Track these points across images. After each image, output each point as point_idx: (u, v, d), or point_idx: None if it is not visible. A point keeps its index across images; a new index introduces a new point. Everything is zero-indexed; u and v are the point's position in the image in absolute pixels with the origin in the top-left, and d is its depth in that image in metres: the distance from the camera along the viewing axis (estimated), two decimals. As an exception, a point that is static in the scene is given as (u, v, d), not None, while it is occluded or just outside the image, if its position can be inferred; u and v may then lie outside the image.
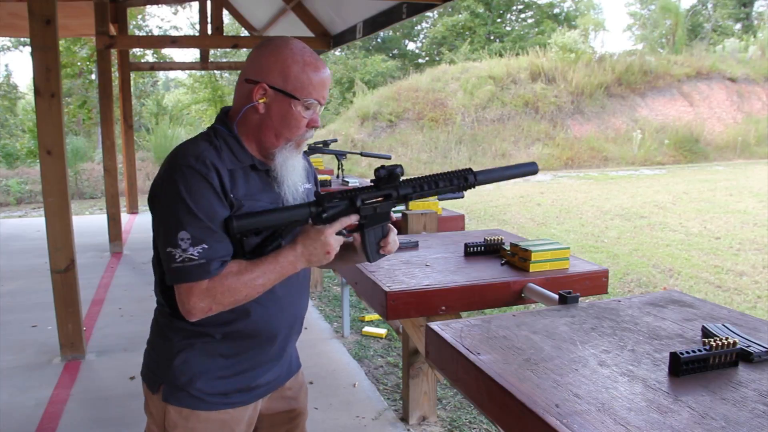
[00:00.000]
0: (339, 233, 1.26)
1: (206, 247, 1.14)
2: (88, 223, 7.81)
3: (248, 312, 1.27)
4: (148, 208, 1.27)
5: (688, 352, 1.14)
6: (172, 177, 1.17)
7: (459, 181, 1.32)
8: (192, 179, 1.16)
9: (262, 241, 1.24)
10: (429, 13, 20.02)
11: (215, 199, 1.17)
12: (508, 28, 24.79)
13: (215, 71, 17.13)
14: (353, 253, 1.40)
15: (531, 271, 1.94)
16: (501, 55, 18.51)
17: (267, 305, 1.29)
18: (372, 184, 1.32)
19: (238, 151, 1.25)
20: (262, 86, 1.22)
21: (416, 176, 1.33)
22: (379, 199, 1.30)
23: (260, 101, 1.23)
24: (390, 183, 1.31)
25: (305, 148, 1.37)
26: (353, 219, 1.27)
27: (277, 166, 1.27)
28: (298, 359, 1.54)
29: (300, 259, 1.23)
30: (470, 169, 1.34)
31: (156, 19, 29.49)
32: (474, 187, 1.36)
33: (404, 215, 2.75)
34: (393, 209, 1.35)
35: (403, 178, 1.32)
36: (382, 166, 1.32)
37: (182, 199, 1.15)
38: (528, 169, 1.41)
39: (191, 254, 1.14)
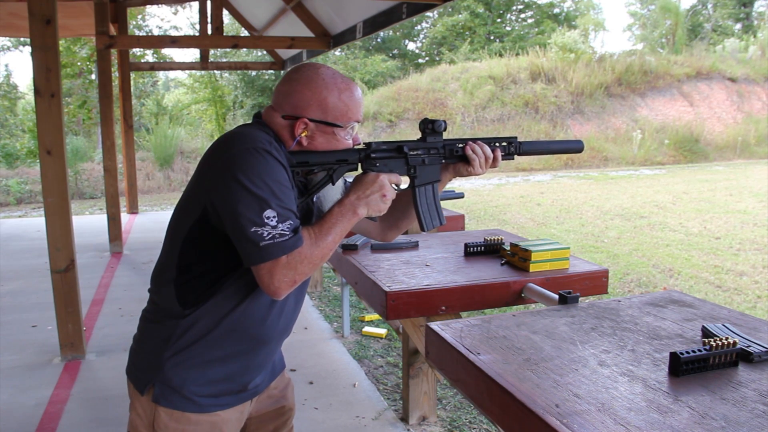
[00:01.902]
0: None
1: (292, 223, 1.16)
2: (88, 223, 7.81)
3: (245, 317, 1.28)
4: (193, 199, 1.24)
5: (688, 352, 1.14)
6: (248, 159, 1.15)
7: (505, 146, 1.39)
8: (270, 160, 1.17)
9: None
10: (429, 13, 20.01)
11: (288, 179, 1.20)
12: (508, 28, 24.79)
13: (215, 71, 17.13)
14: (410, 212, 1.43)
15: (531, 271, 1.94)
16: (501, 55, 18.52)
17: (265, 310, 1.30)
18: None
19: (284, 152, 1.27)
20: (303, 121, 1.25)
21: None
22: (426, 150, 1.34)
23: (303, 135, 1.26)
24: (434, 135, 1.34)
25: None
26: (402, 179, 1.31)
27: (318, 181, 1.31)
28: (282, 359, 1.56)
29: (358, 204, 1.24)
30: (516, 137, 1.40)
31: (156, 19, 29.46)
32: (518, 155, 1.42)
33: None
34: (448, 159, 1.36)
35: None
36: (427, 118, 1.35)
37: (262, 178, 1.14)
38: (573, 146, 1.48)
39: (282, 230, 1.14)
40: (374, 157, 1.29)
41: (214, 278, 1.23)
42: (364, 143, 1.31)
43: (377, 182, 1.26)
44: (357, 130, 1.32)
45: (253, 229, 1.13)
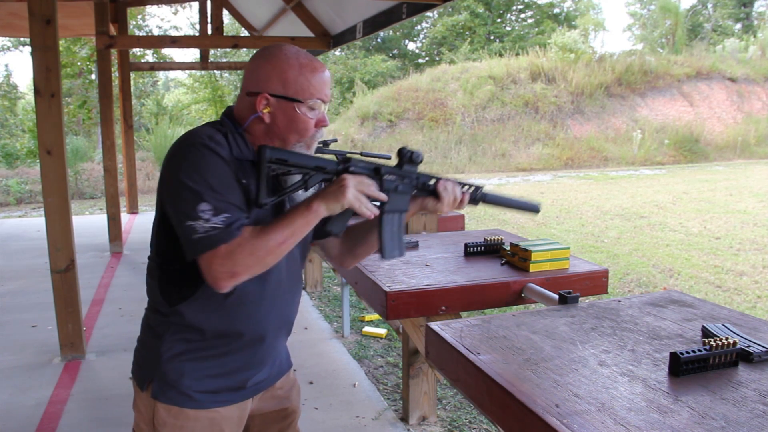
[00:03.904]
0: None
1: (228, 215, 1.15)
2: (88, 223, 7.81)
3: (237, 311, 1.28)
4: (158, 197, 1.27)
5: (688, 352, 1.14)
6: (186, 155, 1.18)
7: (472, 192, 1.40)
8: (207, 154, 1.17)
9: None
10: (429, 13, 20.02)
11: (230, 173, 1.18)
12: (508, 28, 24.80)
13: (215, 71, 17.14)
14: (370, 239, 1.41)
15: (531, 271, 1.94)
16: (501, 55, 18.52)
17: (255, 305, 1.29)
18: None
19: (242, 146, 1.26)
20: (264, 96, 1.23)
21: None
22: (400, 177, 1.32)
23: (264, 111, 1.24)
24: (411, 165, 1.33)
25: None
26: (381, 195, 1.27)
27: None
28: (289, 358, 1.53)
29: (314, 199, 1.20)
30: (482, 186, 1.41)
31: (156, 19, 29.45)
32: (481, 203, 1.42)
33: (404, 215, 2.74)
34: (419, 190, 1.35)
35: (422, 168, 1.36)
36: (406, 148, 1.34)
37: (198, 173, 1.16)
38: (532, 207, 1.51)
39: (214, 223, 1.14)
40: (352, 171, 1.26)
41: (193, 274, 1.21)
42: (345, 157, 1.28)
43: (338, 179, 1.22)
44: (324, 110, 1.28)
45: (187, 223, 1.14)
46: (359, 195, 1.22)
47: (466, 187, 1.40)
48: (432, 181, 1.35)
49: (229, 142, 1.23)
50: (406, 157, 1.32)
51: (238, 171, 1.22)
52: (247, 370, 1.35)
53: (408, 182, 1.33)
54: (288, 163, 1.21)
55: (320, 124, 1.28)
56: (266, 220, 1.22)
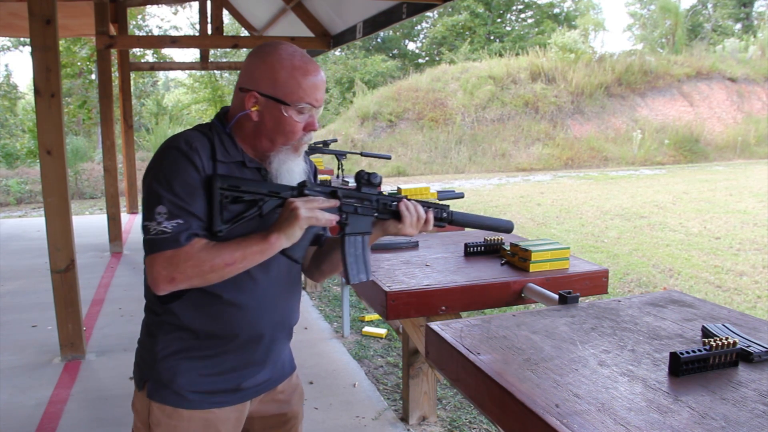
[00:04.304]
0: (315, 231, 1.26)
1: (181, 222, 1.16)
2: (88, 223, 7.81)
3: (230, 311, 1.27)
4: None
5: (688, 352, 1.14)
6: (160, 157, 1.21)
7: (437, 212, 1.38)
8: (177, 159, 1.19)
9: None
10: (429, 13, 20.02)
11: (197, 180, 1.19)
12: (508, 28, 24.79)
13: (215, 71, 17.13)
14: (335, 258, 1.39)
15: (531, 271, 1.94)
16: (501, 55, 18.52)
17: (249, 305, 1.29)
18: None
19: (230, 147, 1.26)
20: (254, 94, 1.23)
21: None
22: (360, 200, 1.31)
23: (253, 109, 1.24)
24: (370, 187, 1.32)
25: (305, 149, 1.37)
26: (332, 202, 1.25)
27: (273, 169, 1.27)
28: (292, 362, 1.52)
29: (271, 229, 1.20)
30: (449, 206, 1.40)
31: (156, 19, 29.49)
32: (448, 224, 1.41)
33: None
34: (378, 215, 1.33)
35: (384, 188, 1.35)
36: (364, 171, 1.33)
37: (164, 176, 1.18)
38: (504, 226, 1.46)
39: (164, 227, 1.16)
40: (307, 194, 1.24)
41: None
42: (300, 183, 1.25)
43: (286, 204, 1.21)
44: (317, 114, 1.27)
45: (144, 223, 1.18)
46: (313, 210, 1.20)
47: (432, 207, 1.37)
48: (394, 202, 1.33)
49: (214, 146, 1.23)
50: (364, 179, 1.31)
51: (219, 170, 1.22)
52: (243, 371, 1.34)
53: (368, 204, 1.31)
54: (240, 189, 1.20)
55: (309, 128, 1.26)
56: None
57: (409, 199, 1.35)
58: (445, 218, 1.39)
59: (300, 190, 1.24)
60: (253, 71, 1.24)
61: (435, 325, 1.43)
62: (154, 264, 1.16)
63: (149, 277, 1.17)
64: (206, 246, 1.17)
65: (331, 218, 1.23)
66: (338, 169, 4.53)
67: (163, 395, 1.29)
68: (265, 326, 1.33)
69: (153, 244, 1.16)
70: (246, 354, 1.33)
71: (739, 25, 26.44)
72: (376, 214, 1.33)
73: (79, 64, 14.06)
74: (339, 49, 20.69)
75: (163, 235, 1.15)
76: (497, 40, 23.55)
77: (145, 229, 1.17)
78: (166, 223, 1.16)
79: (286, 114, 1.23)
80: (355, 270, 1.30)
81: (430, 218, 1.35)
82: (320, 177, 4.02)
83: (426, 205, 1.37)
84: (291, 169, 1.28)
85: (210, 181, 1.18)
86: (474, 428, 2.75)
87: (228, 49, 18.27)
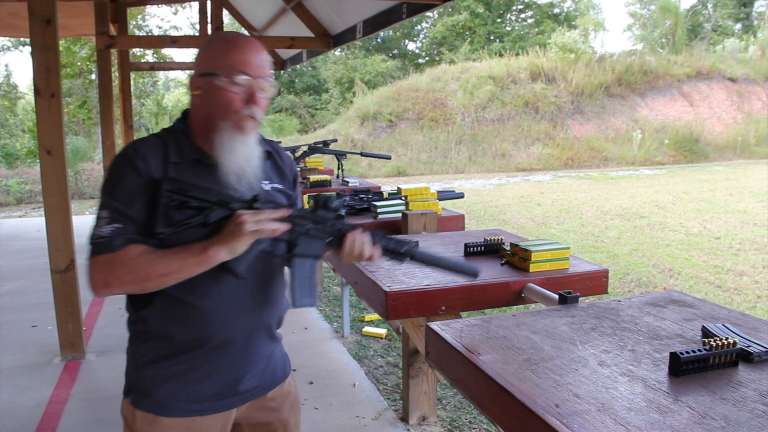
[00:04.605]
0: (264, 249, 1.21)
1: (119, 227, 1.17)
2: (88, 223, 7.76)
3: (197, 315, 1.25)
4: None
5: (688, 352, 1.14)
6: (111, 164, 1.24)
7: (396, 246, 1.33)
8: (121, 165, 1.21)
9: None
10: (429, 13, 20.02)
11: (139, 185, 1.19)
12: (508, 28, 24.80)
13: (215, 71, 17.10)
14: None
15: (531, 271, 1.94)
16: (501, 55, 18.52)
17: (216, 308, 1.26)
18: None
19: (184, 146, 1.25)
20: (194, 79, 1.25)
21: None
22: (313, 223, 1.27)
23: (195, 93, 1.25)
24: (327, 211, 1.29)
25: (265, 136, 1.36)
26: (281, 212, 1.22)
27: (216, 150, 1.23)
28: (285, 368, 1.47)
29: (212, 241, 1.17)
30: (417, 242, 1.35)
31: (156, 19, 29.52)
32: (408, 259, 1.34)
33: (404, 215, 2.75)
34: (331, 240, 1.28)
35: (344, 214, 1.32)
36: (322, 195, 1.31)
37: (109, 182, 1.22)
38: (469, 270, 1.39)
39: (102, 231, 1.18)
40: (256, 208, 1.20)
41: None
42: (253, 196, 1.22)
43: (233, 216, 1.18)
44: (265, 89, 1.23)
45: (91, 226, 1.21)
46: (259, 222, 1.17)
47: (394, 241, 1.32)
48: (345, 229, 1.29)
49: (168, 148, 1.23)
50: (321, 202, 1.28)
51: (173, 173, 1.20)
52: (223, 377, 1.30)
53: (322, 228, 1.28)
54: (188, 194, 1.18)
55: (251, 101, 1.22)
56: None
57: (364, 231, 1.29)
58: (404, 253, 1.33)
59: (250, 202, 1.21)
60: (196, 59, 1.27)
61: (435, 325, 1.43)
62: (91, 267, 1.18)
63: (87, 278, 1.19)
64: (144, 253, 1.17)
65: (278, 227, 1.19)
66: (338, 169, 4.53)
67: (144, 403, 1.29)
68: (235, 329, 1.28)
69: (92, 247, 1.18)
70: (222, 359, 1.29)
71: (739, 25, 26.45)
72: (329, 239, 1.29)
73: (79, 64, 14.06)
74: (339, 49, 20.69)
75: (100, 240, 1.17)
76: (497, 40, 23.56)
77: (90, 232, 1.20)
78: (105, 227, 1.18)
79: (217, 84, 1.21)
80: (301, 294, 1.27)
81: (375, 255, 1.30)
82: (320, 177, 4.04)
83: (389, 239, 1.32)
84: (235, 149, 1.22)
85: (157, 184, 1.17)
86: (474, 428, 2.75)
87: (228, 49, 18.22)
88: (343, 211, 1.33)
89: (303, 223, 1.26)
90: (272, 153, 1.38)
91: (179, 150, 1.24)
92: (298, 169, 4.67)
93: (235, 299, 1.27)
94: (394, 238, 1.34)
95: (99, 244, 1.17)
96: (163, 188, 1.16)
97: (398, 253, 1.33)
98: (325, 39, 6.26)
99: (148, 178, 1.19)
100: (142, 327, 1.28)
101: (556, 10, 25.50)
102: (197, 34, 11.02)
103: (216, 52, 1.22)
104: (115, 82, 8.19)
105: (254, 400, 1.38)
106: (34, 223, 7.91)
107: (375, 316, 4.12)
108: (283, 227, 1.21)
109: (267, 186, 1.32)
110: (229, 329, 1.28)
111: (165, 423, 1.28)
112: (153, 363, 1.28)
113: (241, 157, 1.23)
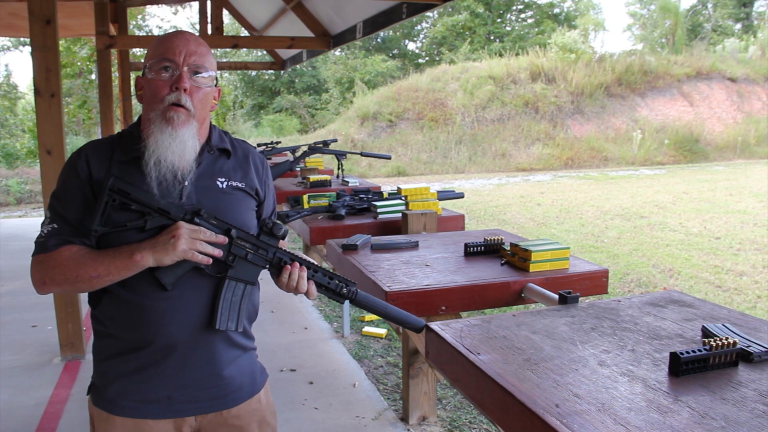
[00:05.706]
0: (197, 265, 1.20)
1: (55, 227, 1.20)
2: (88, 223, 7.81)
3: (139, 315, 1.23)
4: None
5: (688, 352, 1.14)
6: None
7: (338, 285, 1.32)
8: (65, 168, 1.26)
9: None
10: (429, 13, 20.02)
11: (77, 187, 1.22)
12: (508, 28, 24.80)
13: (215, 71, 17.10)
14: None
15: (531, 271, 1.94)
16: (501, 55, 18.52)
17: (157, 308, 1.22)
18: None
19: (131, 144, 1.26)
20: (137, 79, 1.30)
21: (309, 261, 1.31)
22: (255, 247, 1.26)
23: (139, 93, 1.28)
24: (271, 238, 1.27)
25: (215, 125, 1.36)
26: (220, 238, 1.20)
27: (149, 152, 1.21)
28: (254, 384, 1.38)
29: (140, 247, 1.16)
30: (356, 284, 1.35)
31: (156, 19, 29.50)
32: (348, 300, 1.34)
33: (404, 215, 2.75)
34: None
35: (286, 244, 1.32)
36: (269, 219, 1.30)
37: (58, 183, 1.26)
38: (413, 323, 1.40)
39: (42, 232, 1.22)
40: (197, 223, 1.19)
41: None
42: (195, 210, 1.20)
43: (173, 226, 1.17)
44: (186, 75, 1.21)
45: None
46: (194, 243, 1.16)
47: (336, 280, 1.32)
48: (286, 260, 1.27)
49: (115, 148, 1.25)
50: (267, 227, 1.27)
51: (116, 173, 1.20)
52: (171, 380, 1.26)
53: (262, 254, 1.26)
54: (130, 197, 1.18)
55: (174, 83, 1.21)
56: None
57: (303, 265, 1.28)
58: (344, 294, 1.33)
59: (192, 216, 1.20)
60: None
61: (435, 325, 1.43)
62: (32, 266, 1.22)
63: (30, 276, 1.22)
64: (76, 254, 1.18)
65: (209, 256, 1.18)
66: (338, 169, 4.53)
67: (98, 401, 1.31)
68: (177, 333, 1.23)
69: (34, 246, 1.22)
70: (167, 361, 1.25)
71: (739, 25, 26.44)
72: (268, 266, 1.28)
73: (79, 64, 14.07)
74: (339, 49, 20.69)
75: (39, 240, 1.21)
76: (497, 40, 23.56)
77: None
78: (44, 227, 1.22)
79: (149, 77, 1.23)
80: (225, 317, 1.23)
81: (311, 290, 1.30)
82: (320, 177, 4.04)
83: (331, 277, 1.32)
84: (163, 142, 1.19)
85: (104, 181, 1.18)
86: (474, 428, 2.75)
87: (228, 49, 18.25)
88: (342, 212, 1.33)
89: (244, 245, 1.25)
90: (231, 151, 1.35)
91: (126, 149, 1.25)
92: (298, 169, 4.68)
93: (179, 299, 1.23)
94: (336, 279, 1.33)
95: (37, 244, 1.21)
96: (106, 185, 1.18)
97: (337, 293, 1.33)
98: (325, 39, 6.26)
99: (88, 180, 1.21)
100: (96, 324, 1.30)
101: (556, 10, 25.50)
102: (197, 34, 11.02)
103: (150, 49, 1.25)
104: (115, 82, 8.19)
105: (215, 413, 1.32)
106: (34, 223, 7.92)
107: (375, 316, 4.12)
108: (216, 253, 1.20)
109: (223, 184, 1.30)
110: (168, 333, 1.23)
111: (117, 422, 1.29)
112: (106, 360, 1.30)
113: (170, 151, 1.20)
